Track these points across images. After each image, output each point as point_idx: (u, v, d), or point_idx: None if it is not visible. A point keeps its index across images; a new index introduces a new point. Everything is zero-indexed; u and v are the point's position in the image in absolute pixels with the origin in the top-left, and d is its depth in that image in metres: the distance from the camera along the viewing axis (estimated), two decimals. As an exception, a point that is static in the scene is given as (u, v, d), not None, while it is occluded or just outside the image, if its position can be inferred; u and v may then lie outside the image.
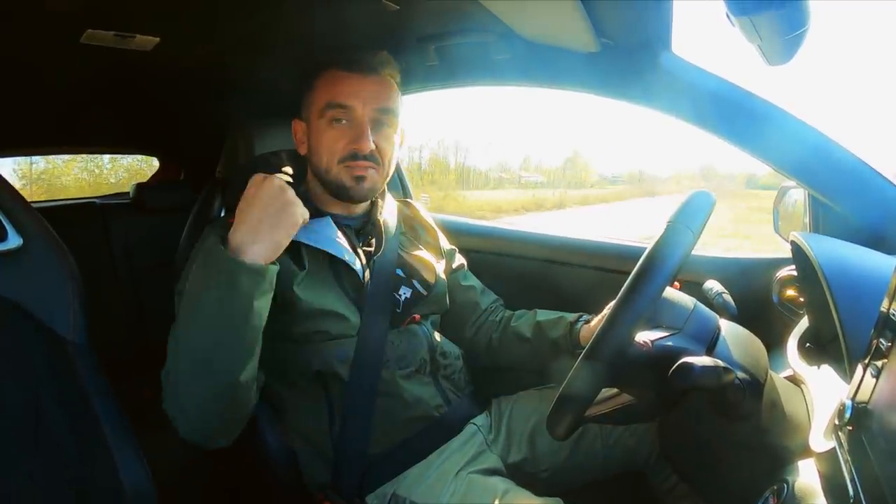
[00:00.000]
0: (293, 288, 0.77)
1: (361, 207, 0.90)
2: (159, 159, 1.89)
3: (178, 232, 1.18)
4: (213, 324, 0.64)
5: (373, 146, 0.81)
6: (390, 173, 0.88)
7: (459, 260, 1.06)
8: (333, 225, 0.83)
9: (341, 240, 0.83)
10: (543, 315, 0.96)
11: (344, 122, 0.81)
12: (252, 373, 0.68)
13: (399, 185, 1.49)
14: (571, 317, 0.92)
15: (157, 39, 0.99)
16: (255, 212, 0.66)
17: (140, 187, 1.68)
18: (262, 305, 0.66)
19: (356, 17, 0.96)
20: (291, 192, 0.69)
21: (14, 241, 0.62)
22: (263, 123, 1.04)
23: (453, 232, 1.17)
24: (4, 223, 0.62)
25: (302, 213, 0.69)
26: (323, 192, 0.86)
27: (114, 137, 1.71)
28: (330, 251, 0.81)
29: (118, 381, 0.68)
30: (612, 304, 0.62)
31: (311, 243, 0.80)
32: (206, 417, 0.69)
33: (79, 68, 1.09)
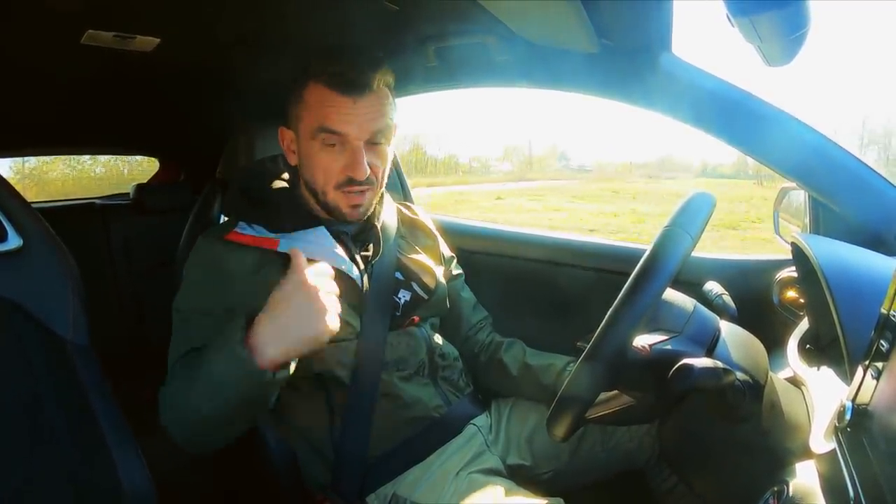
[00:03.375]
0: None
1: None
2: (160, 160, 1.89)
3: (177, 233, 1.18)
4: (235, 412, 0.66)
5: (368, 171, 0.77)
6: (384, 184, 0.85)
7: (458, 269, 1.06)
8: (328, 234, 0.82)
9: (338, 249, 0.81)
10: (533, 356, 0.96)
11: (337, 146, 0.77)
12: None
13: (399, 186, 1.48)
14: (561, 363, 0.92)
15: (158, 40, 0.99)
16: (287, 312, 0.63)
17: (140, 188, 1.68)
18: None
19: (356, 18, 0.96)
20: (329, 300, 0.65)
21: (14, 241, 0.62)
22: (265, 126, 1.04)
23: (453, 233, 1.17)
24: (4, 224, 0.61)
25: (334, 325, 0.65)
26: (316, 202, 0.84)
27: (114, 139, 1.70)
28: (325, 261, 0.77)
29: (118, 382, 0.68)
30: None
31: (307, 255, 0.75)
32: (215, 443, 0.72)
33: (79, 69, 1.09)
